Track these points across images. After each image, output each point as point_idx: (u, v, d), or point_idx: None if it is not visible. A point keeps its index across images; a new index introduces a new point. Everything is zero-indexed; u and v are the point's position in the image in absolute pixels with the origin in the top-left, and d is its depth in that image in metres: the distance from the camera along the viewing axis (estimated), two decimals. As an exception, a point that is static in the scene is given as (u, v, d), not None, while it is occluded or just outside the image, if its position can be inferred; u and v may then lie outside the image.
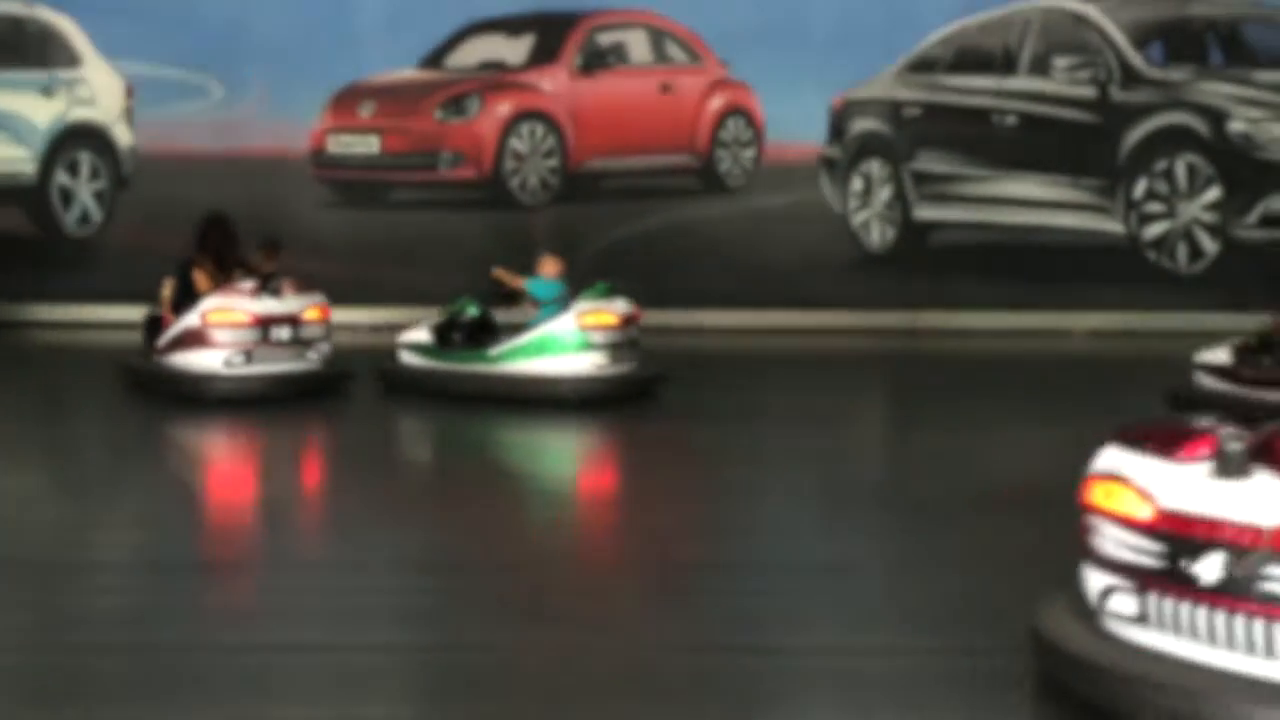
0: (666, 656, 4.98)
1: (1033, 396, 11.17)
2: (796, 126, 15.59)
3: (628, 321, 10.15)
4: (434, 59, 15.71)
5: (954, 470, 8.32)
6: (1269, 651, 3.79)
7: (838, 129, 15.63)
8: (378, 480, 7.96)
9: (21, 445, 9.17)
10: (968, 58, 15.37)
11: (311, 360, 10.24)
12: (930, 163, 15.45)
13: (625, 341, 10.08)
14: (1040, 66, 15.14)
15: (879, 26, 15.34)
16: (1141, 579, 4.09)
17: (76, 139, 15.71)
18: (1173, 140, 14.76)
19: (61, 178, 15.74)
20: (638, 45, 15.86)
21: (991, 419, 10.04)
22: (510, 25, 15.84)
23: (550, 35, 15.71)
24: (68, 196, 15.76)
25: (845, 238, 15.59)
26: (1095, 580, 4.29)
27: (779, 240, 15.42)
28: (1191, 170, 14.80)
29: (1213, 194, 14.80)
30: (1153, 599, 4.05)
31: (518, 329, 10.12)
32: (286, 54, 15.42)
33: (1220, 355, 9.60)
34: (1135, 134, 14.85)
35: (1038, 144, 15.17)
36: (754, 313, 15.14)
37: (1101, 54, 14.96)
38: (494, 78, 15.58)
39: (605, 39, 15.74)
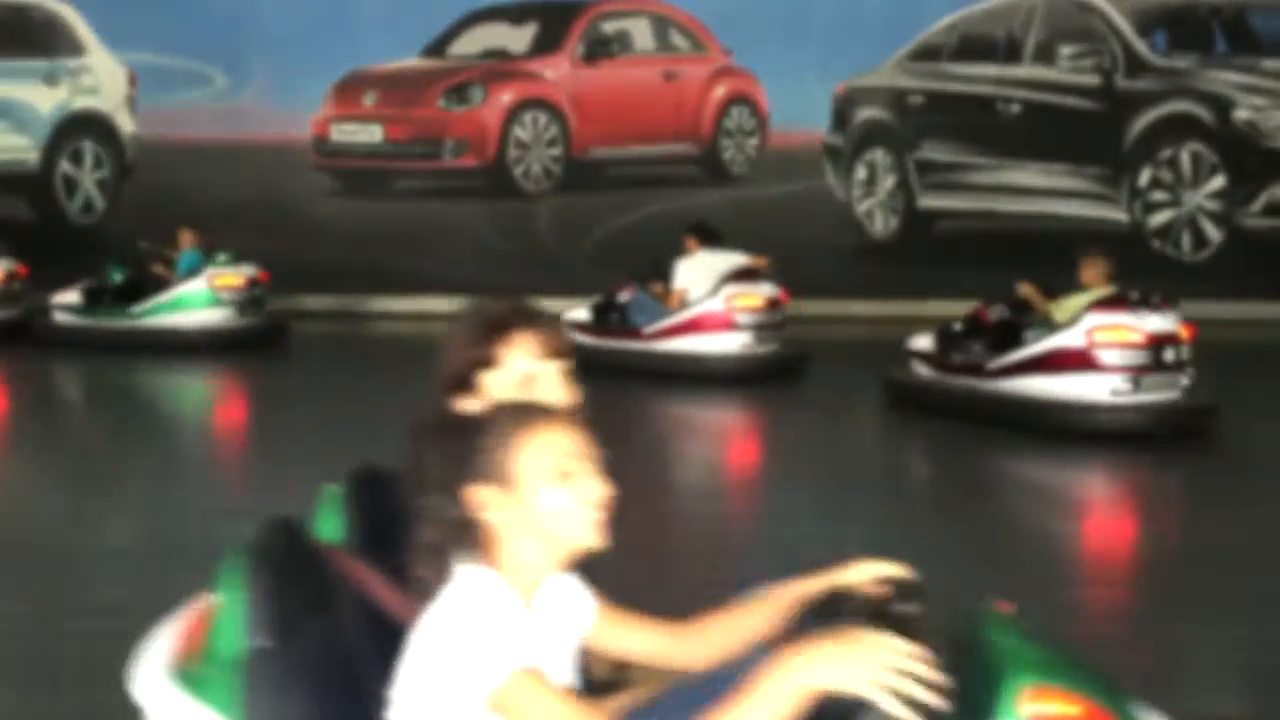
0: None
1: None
2: (800, 115, 15.57)
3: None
4: (437, 47, 15.69)
5: (952, 461, 8.31)
6: None
7: (841, 117, 15.61)
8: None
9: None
10: (972, 46, 15.33)
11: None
12: (934, 151, 15.43)
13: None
14: (1045, 54, 15.11)
15: (883, 14, 15.31)
16: None
17: (80, 127, 15.72)
18: (1177, 128, 14.73)
19: (65, 166, 15.75)
20: (641, 33, 15.84)
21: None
22: (513, 13, 15.83)
23: (553, 23, 15.69)
24: (71, 185, 15.77)
25: (849, 226, 15.57)
26: None
27: (782, 229, 15.39)
28: (1196, 158, 14.76)
29: (1217, 182, 14.77)
30: None
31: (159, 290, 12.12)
32: (289, 42, 15.41)
33: (925, 342, 9.44)
34: (1140, 122, 14.81)
35: (1042, 132, 15.14)
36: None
37: (1106, 42, 14.92)
38: (497, 66, 15.57)
39: (608, 27, 15.72)
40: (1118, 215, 15.06)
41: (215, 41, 15.47)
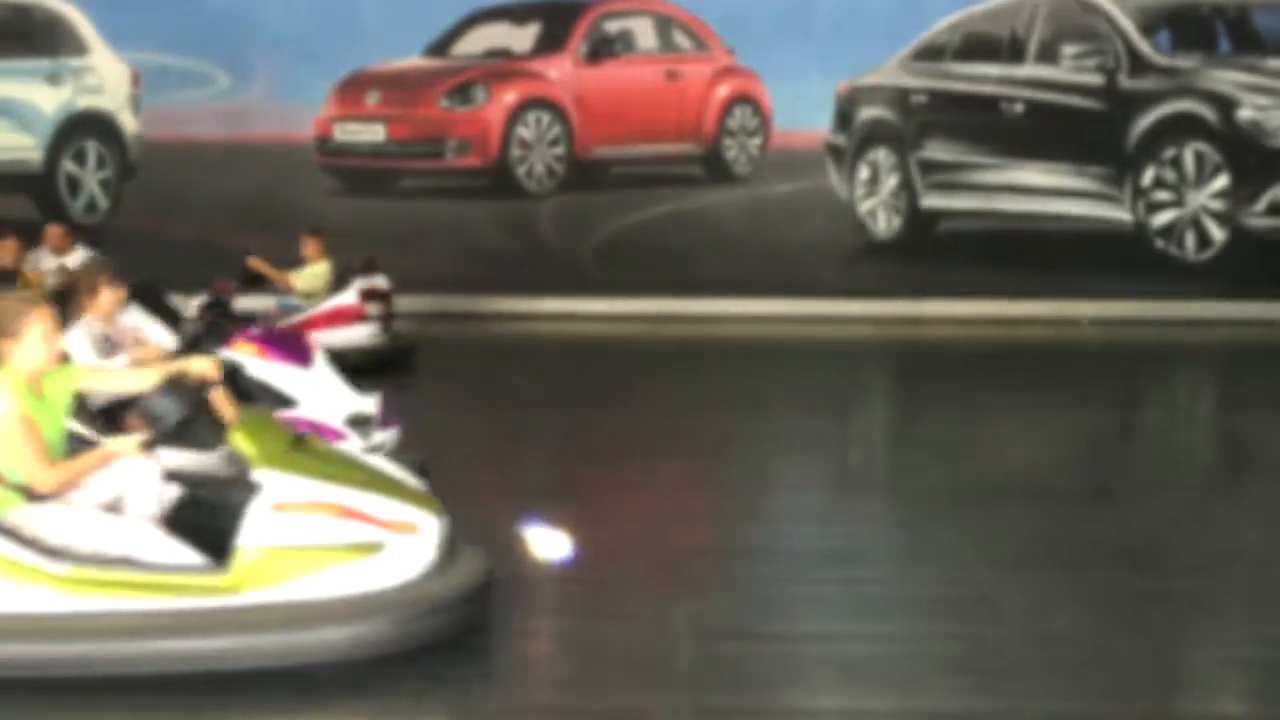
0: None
1: (1039, 385, 11.14)
2: (803, 114, 15.55)
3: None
4: (440, 47, 15.69)
5: (955, 459, 8.30)
6: None
7: (844, 117, 15.60)
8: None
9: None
10: (975, 45, 15.32)
11: None
12: (937, 151, 15.41)
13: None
14: (1048, 54, 15.09)
15: (886, 14, 15.30)
16: None
17: (83, 127, 15.72)
18: (1181, 128, 14.71)
19: (68, 166, 15.75)
20: (644, 33, 15.82)
21: (995, 408, 10.02)
22: (516, 13, 15.82)
23: (556, 23, 15.68)
24: (74, 184, 15.77)
25: (852, 226, 15.56)
26: None
27: (785, 229, 15.40)
28: (1199, 158, 14.75)
29: (1221, 182, 14.75)
30: None
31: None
32: (292, 42, 15.41)
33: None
34: (1143, 122, 14.80)
35: (1045, 132, 15.12)
36: (759, 301, 15.12)
37: (1109, 41, 14.91)
38: (500, 66, 15.56)
39: (612, 26, 15.71)
40: (1121, 215, 15.05)
41: (218, 41, 15.47)
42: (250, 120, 15.48)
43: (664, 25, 15.79)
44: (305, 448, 5.12)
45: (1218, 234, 14.90)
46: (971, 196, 15.43)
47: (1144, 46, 14.86)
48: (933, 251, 15.47)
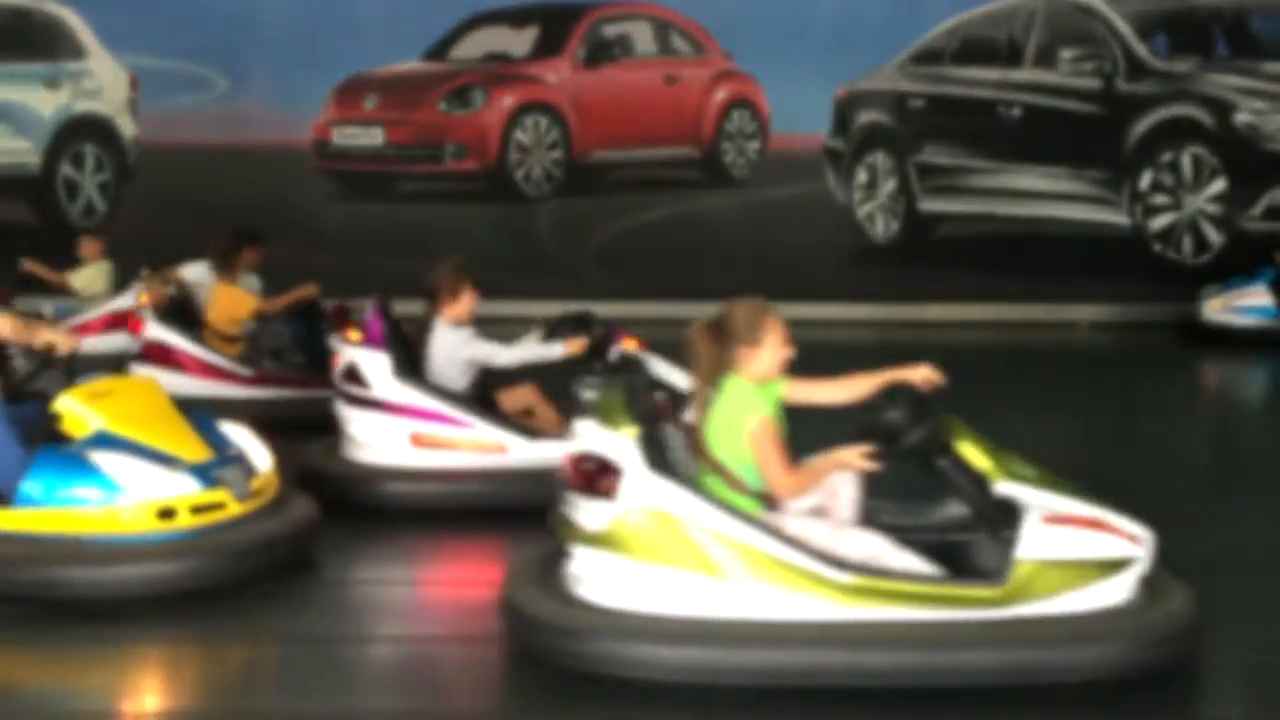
0: None
1: (1037, 388, 11.15)
2: (801, 118, 15.56)
3: None
4: (438, 50, 15.69)
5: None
6: None
7: (842, 121, 15.61)
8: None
9: None
10: (973, 49, 15.34)
11: None
12: (935, 154, 15.43)
13: None
14: (1045, 58, 15.11)
15: (884, 18, 15.31)
16: None
17: (81, 131, 15.71)
18: (1178, 132, 14.73)
19: (66, 169, 15.75)
20: (642, 37, 15.84)
21: (993, 410, 10.00)
22: (514, 17, 15.83)
23: (555, 27, 15.69)
24: (72, 188, 15.77)
25: (850, 230, 15.57)
26: None
27: (783, 232, 15.41)
28: (1197, 162, 14.76)
29: (1218, 186, 14.77)
30: None
31: None
32: (290, 46, 15.42)
33: None
34: (1141, 126, 14.81)
35: (1043, 136, 15.13)
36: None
37: (1107, 45, 14.93)
38: (498, 69, 15.57)
39: (610, 31, 15.72)
40: (1119, 219, 15.06)
41: (216, 45, 15.47)
42: (248, 124, 15.48)
43: (662, 29, 15.80)
44: (1007, 457, 4.99)
45: (1215, 237, 14.91)
46: (969, 200, 15.44)
47: (1141, 50, 14.87)
48: (930, 255, 15.49)
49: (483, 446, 6.86)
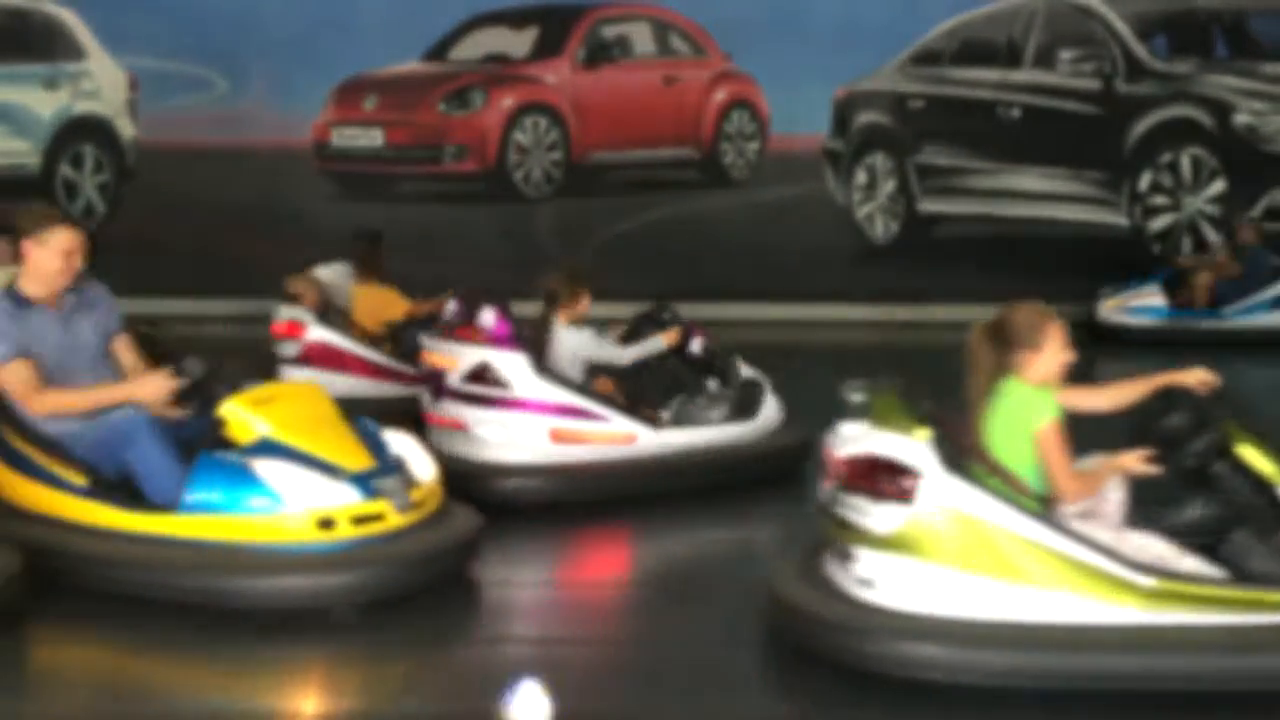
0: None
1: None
2: (800, 119, 15.56)
3: None
4: (438, 52, 15.69)
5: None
6: None
7: (842, 122, 15.61)
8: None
9: None
10: (972, 50, 15.34)
11: None
12: (934, 155, 15.43)
13: None
14: (1045, 59, 15.11)
15: (883, 19, 15.31)
16: None
17: (80, 132, 15.71)
18: (1177, 133, 14.73)
19: (66, 170, 15.74)
20: (642, 38, 15.84)
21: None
22: (514, 18, 15.83)
23: (554, 28, 15.69)
24: (72, 189, 15.77)
25: (849, 231, 15.57)
26: None
27: (783, 233, 15.41)
28: (1196, 163, 14.77)
29: (1217, 186, 14.77)
30: None
31: None
32: (290, 47, 15.41)
33: None
34: (1140, 127, 14.82)
35: (1042, 137, 15.14)
36: (757, 306, 15.11)
37: (1106, 46, 14.93)
38: (498, 70, 15.57)
39: (609, 32, 15.72)
40: (1118, 219, 15.06)
41: (216, 46, 15.46)
42: (248, 125, 15.47)
43: (661, 30, 15.81)
44: None
45: (1215, 238, 14.91)
46: (969, 201, 15.45)
47: (1141, 51, 14.88)
48: (930, 256, 15.48)
49: (616, 438, 7.21)
